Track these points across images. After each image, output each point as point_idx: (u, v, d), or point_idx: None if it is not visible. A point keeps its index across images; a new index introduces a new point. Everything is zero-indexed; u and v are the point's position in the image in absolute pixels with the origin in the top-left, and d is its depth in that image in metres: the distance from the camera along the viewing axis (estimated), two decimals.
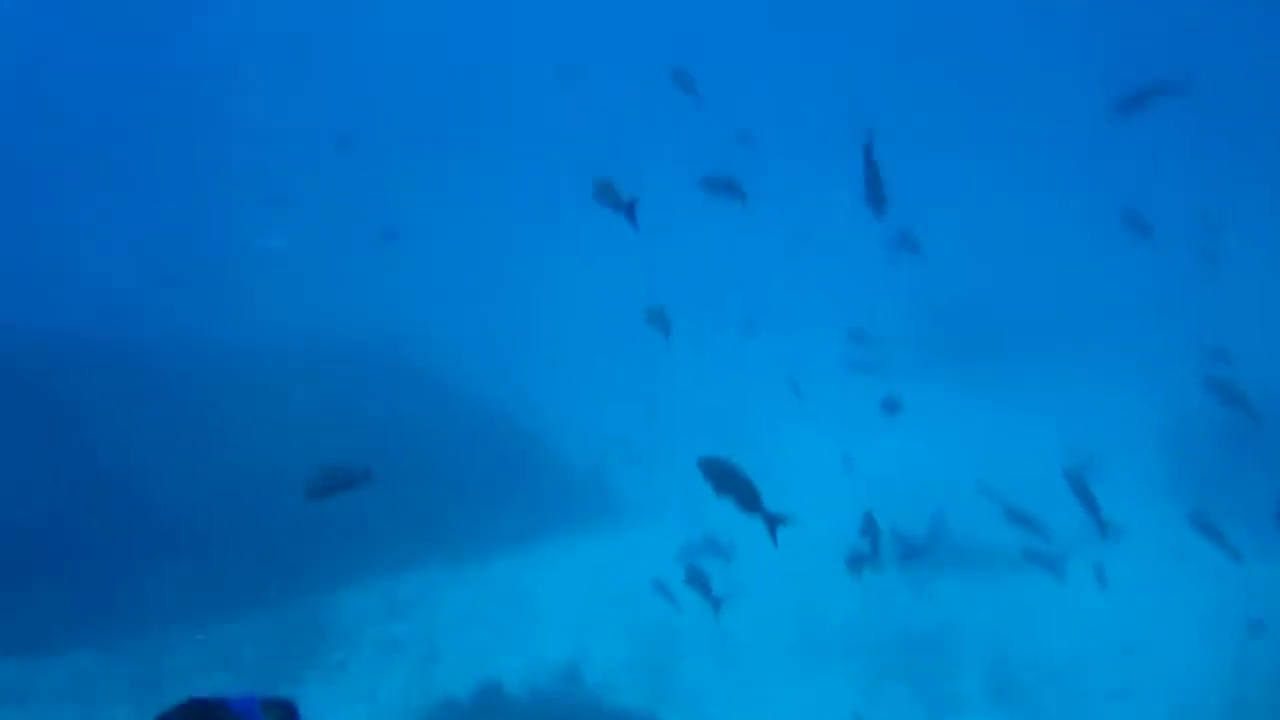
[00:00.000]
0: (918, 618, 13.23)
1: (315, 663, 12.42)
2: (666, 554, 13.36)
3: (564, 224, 26.07)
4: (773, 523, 6.20)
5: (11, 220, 26.41)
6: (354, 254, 25.40)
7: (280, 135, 31.24)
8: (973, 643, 12.94)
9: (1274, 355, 16.65)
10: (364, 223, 25.90)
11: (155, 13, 37.75)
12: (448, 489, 14.75)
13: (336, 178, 27.36)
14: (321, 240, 25.69)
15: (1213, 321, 18.63)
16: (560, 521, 15.66)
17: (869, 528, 9.64)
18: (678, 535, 14.69)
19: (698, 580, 10.23)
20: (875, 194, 7.58)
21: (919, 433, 17.79)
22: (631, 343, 20.90)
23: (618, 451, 17.18)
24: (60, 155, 29.69)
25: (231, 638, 12.59)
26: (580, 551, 15.01)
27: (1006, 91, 36.35)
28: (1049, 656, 12.68)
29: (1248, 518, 11.42)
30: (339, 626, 13.09)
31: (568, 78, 32.31)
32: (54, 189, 28.80)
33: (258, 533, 13.20)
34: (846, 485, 14.31)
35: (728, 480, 6.27)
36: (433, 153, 34.93)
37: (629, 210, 8.92)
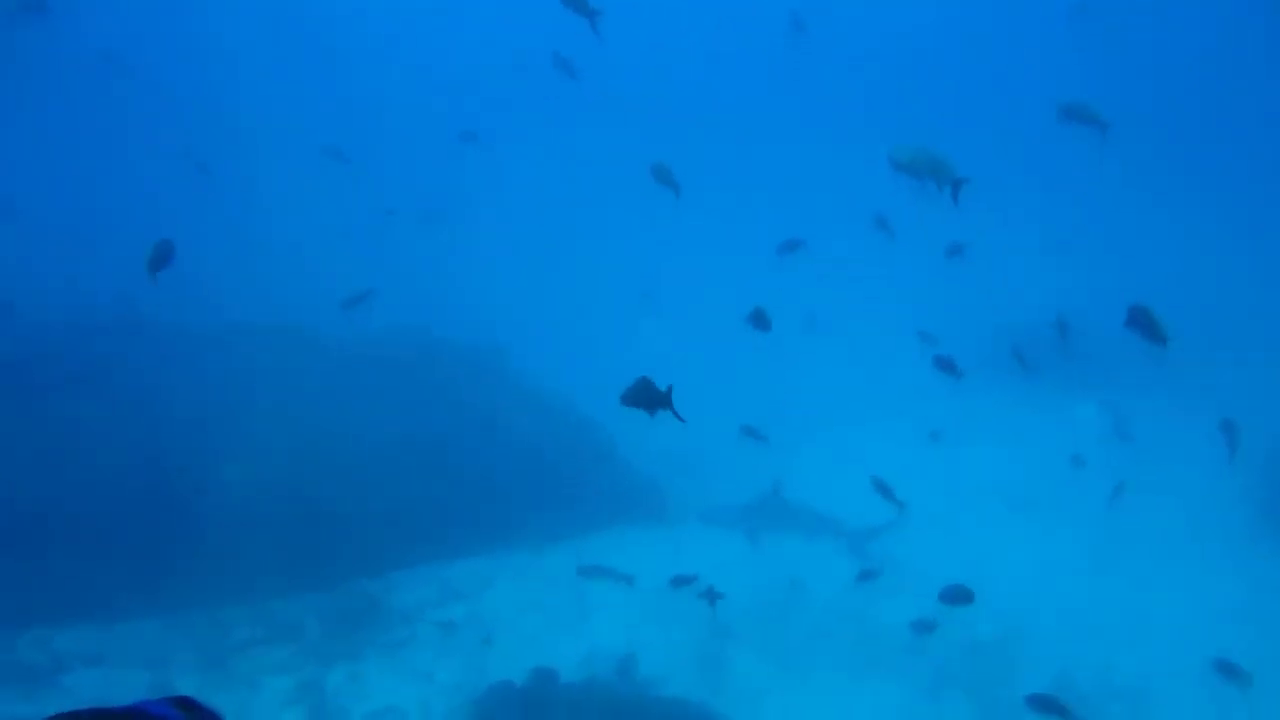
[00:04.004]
0: (983, 626, 12.94)
1: (375, 641, 12.63)
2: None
3: (655, 225, 26.26)
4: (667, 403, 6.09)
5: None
6: (424, 237, 25.81)
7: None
8: (1036, 652, 12.61)
9: None
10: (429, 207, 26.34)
11: None
12: (511, 477, 14.88)
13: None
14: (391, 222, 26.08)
15: None
16: (619, 515, 15.69)
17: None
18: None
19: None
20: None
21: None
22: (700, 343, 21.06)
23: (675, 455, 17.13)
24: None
25: (294, 614, 12.87)
26: (635, 543, 15.02)
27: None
28: (1117, 670, 12.31)
29: None
30: (398, 608, 13.29)
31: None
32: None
33: (321, 514, 13.49)
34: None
35: (645, 396, 6.11)
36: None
37: (675, 191, 9.17)
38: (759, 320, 10.03)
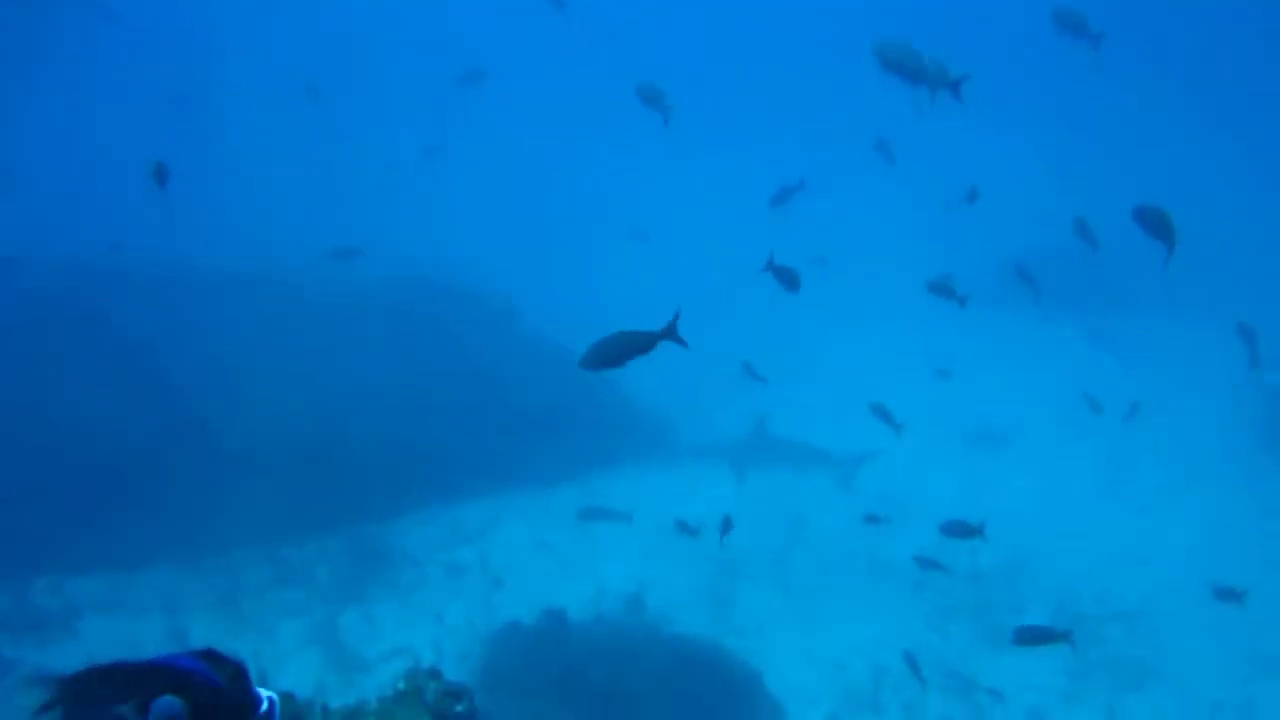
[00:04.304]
0: (986, 555, 13.08)
1: (385, 583, 12.76)
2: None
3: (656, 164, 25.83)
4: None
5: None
6: (424, 182, 25.56)
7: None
8: (1039, 579, 12.77)
9: None
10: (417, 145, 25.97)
11: None
12: (515, 418, 14.90)
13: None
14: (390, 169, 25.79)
15: None
16: (623, 453, 15.75)
17: None
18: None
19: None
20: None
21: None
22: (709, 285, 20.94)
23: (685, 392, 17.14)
24: None
25: (306, 558, 12.99)
26: (642, 482, 15.11)
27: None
28: (1118, 594, 12.47)
29: None
30: (408, 550, 13.40)
31: None
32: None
33: (329, 458, 13.54)
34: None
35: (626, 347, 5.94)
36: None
37: (664, 115, 8.98)
38: (787, 279, 9.78)
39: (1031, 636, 8.33)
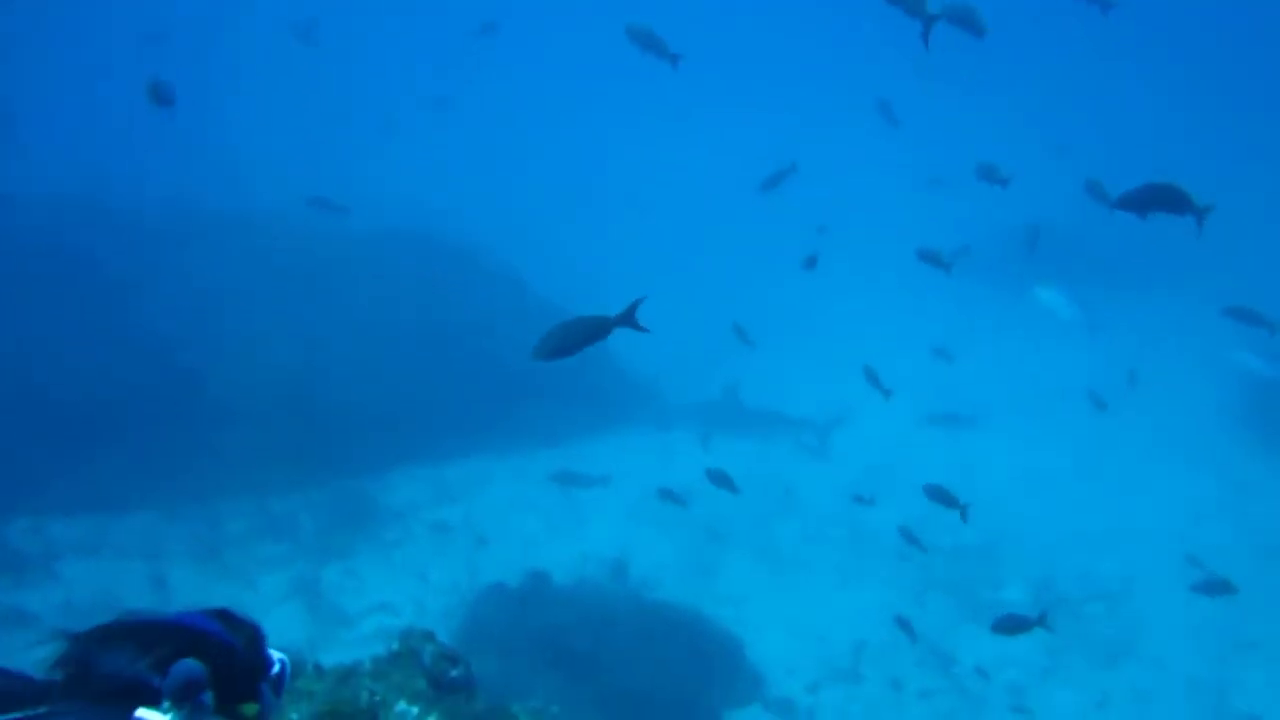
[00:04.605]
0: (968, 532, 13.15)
1: (369, 538, 12.71)
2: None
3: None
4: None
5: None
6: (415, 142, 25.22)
7: None
8: (1019, 557, 12.86)
9: None
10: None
11: None
12: (506, 378, 14.78)
13: None
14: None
15: None
16: (613, 417, 15.69)
17: None
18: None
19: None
20: None
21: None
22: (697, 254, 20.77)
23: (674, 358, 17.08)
24: None
25: (290, 511, 12.91)
26: (628, 448, 15.07)
27: None
28: (1098, 573, 12.58)
29: None
30: (393, 507, 13.35)
31: None
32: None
33: (317, 411, 13.42)
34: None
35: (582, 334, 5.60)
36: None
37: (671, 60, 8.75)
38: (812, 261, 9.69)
39: (1010, 625, 8.38)
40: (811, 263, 9.58)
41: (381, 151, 24.31)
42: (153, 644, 1.70)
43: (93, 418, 12.64)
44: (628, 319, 5.39)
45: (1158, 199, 6.61)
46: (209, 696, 1.71)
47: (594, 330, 5.44)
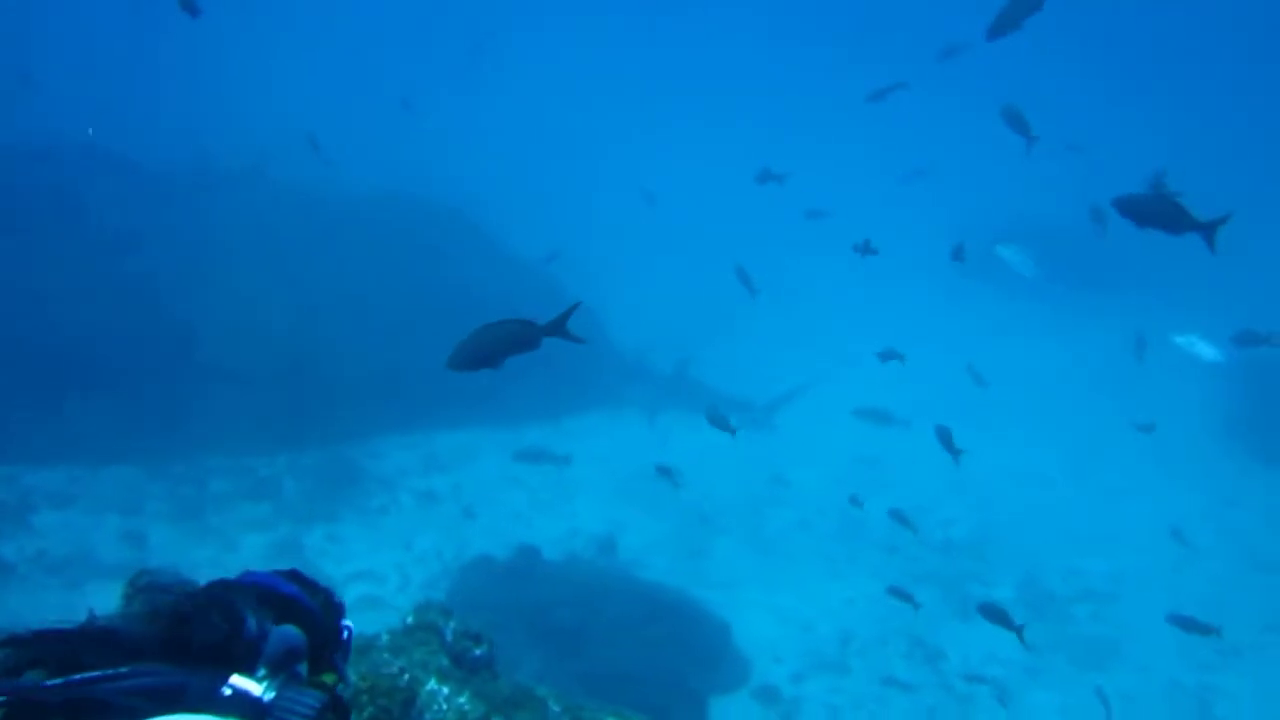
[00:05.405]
0: (958, 528, 13.17)
1: (354, 504, 12.50)
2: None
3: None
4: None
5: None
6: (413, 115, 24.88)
7: None
8: (1007, 554, 12.87)
9: None
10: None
11: None
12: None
13: None
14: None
15: None
16: (603, 395, 15.55)
17: None
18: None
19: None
20: None
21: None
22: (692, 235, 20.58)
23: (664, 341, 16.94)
24: None
25: (274, 472, 12.66)
26: (619, 426, 14.93)
27: None
28: (1086, 572, 12.62)
29: None
30: (379, 474, 13.15)
31: None
32: None
33: (305, 372, 13.15)
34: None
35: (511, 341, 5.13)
36: None
37: None
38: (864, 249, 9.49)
39: (993, 615, 8.39)
40: (866, 248, 9.44)
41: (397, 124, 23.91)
42: (251, 607, 1.55)
43: (77, 368, 12.30)
44: (559, 328, 4.90)
45: (1157, 215, 6.44)
46: (304, 667, 1.57)
47: (518, 338, 4.93)
